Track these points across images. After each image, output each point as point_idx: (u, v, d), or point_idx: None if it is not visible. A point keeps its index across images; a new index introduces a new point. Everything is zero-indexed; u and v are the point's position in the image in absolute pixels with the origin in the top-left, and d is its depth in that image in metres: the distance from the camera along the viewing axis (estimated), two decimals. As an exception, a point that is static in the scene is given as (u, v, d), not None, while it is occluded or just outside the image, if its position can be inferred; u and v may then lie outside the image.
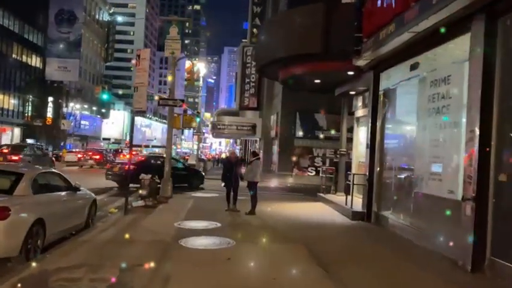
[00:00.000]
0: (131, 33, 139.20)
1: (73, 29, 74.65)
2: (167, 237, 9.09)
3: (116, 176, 19.47)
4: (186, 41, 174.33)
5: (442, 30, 7.75)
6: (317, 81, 14.86)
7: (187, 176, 20.59)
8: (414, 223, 9.35)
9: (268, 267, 7.12)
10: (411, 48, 9.39)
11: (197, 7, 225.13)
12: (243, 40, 70.41)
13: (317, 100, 33.66)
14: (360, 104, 14.85)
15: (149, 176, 14.36)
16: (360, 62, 11.37)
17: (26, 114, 65.91)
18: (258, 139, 49.77)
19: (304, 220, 12.07)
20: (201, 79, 37.37)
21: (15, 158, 25.97)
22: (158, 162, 19.99)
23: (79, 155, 38.57)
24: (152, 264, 6.89)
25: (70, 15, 74.94)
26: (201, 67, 32.91)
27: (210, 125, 51.46)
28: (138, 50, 11.88)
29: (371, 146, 11.67)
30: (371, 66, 11.44)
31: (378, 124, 11.53)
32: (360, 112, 14.98)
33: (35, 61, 68.89)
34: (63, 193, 8.78)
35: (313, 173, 35.25)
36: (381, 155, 11.46)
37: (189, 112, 33.29)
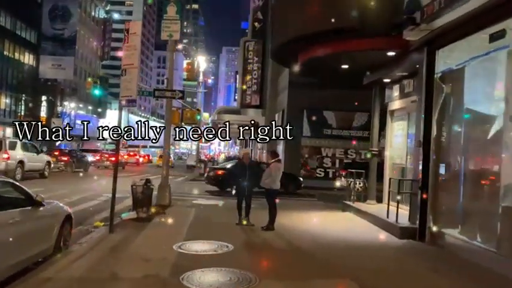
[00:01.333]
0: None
1: (67, 26, 72.45)
2: (164, 269, 6.56)
3: (213, 180, 20.35)
4: (184, 41, 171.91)
5: None
6: (344, 66, 12.29)
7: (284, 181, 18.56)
8: (504, 248, 6.81)
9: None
10: (493, 11, 6.88)
11: (195, 6, 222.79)
12: (242, 39, 68.53)
13: (326, 96, 31.22)
14: (396, 94, 12.34)
15: (143, 180, 11.86)
16: (414, 35, 8.83)
17: (19, 114, 63.54)
18: (260, 139, 47.40)
19: (339, 239, 9.52)
20: (201, 74, 34.88)
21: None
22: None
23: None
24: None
25: (64, 11, 72.70)
26: (201, 61, 30.45)
27: (210, 124, 48.85)
28: (127, 23, 9.32)
29: (425, 143, 9.10)
30: (425, 41, 8.88)
31: (435, 116, 8.95)
32: (396, 104, 12.47)
33: (28, 59, 66.85)
34: (16, 211, 6.23)
35: (322, 174, 32.80)
36: (440, 154, 8.90)
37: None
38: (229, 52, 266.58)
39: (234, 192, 10.54)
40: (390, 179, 10.73)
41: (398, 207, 9.65)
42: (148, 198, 11.78)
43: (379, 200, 12.95)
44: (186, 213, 12.18)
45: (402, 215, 9.81)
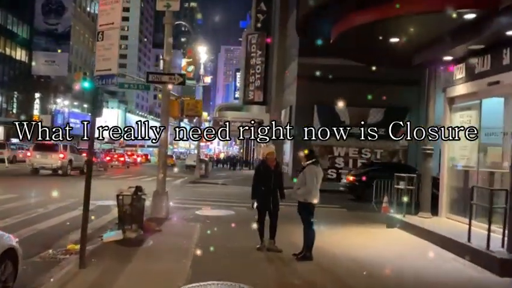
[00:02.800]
0: (126, 28, 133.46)
1: (61, 21, 70.12)
2: None
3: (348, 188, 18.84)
4: (182, 39, 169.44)
5: None
6: (393, 39, 9.42)
7: None
8: None
9: None
10: None
11: (193, 4, 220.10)
12: (240, 39, 65.54)
13: (338, 90, 28.45)
14: (460, 76, 9.52)
15: (132, 188, 9.04)
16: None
17: (11, 112, 60.81)
18: (264, 137, 44.49)
19: (407, 273, 6.69)
20: (202, 67, 32.07)
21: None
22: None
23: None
24: None
25: (58, 5, 70.27)
26: (201, 52, 27.63)
27: (211, 121, 46.10)
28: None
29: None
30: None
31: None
32: (460, 89, 9.64)
33: (20, 54, 64.68)
34: None
35: (334, 175, 30.00)
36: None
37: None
38: (227, 51, 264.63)
39: (255, 205, 7.66)
40: (473, 187, 7.86)
41: (489, 228, 6.80)
42: (139, 213, 8.97)
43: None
44: (189, 231, 9.33)
45: (480, 236, 7.01)
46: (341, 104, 29.57)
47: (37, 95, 64.45)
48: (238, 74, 65.09)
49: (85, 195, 6.41)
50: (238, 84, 66.94)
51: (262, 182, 7.64)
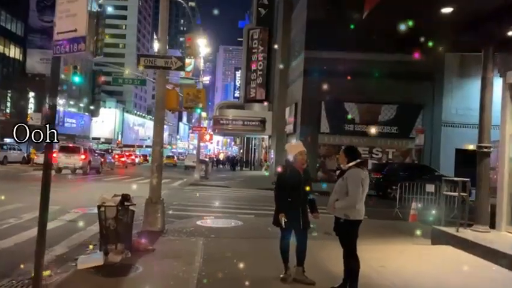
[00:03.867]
0: (124, 27, 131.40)
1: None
2: None
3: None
4: (181, 39, 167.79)
5: None
6: (446, 9, 7.47)
7: None
8: None
9: None
10: None
11: (192, 3, 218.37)
12: (239, 39, 63.61)
13: (347, 85, 26.58)
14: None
15: (118, 197, 7.12)
16: None
17: (4, 111, 58.90)
18: (267, 136, 42.44)
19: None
20: (202, 61, 30.11)
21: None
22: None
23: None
24: None
25: (53, 2, 67.20)
26: (201, 43, 25.58)
27: (212, 120, 44.22)
28: None
29: None
30: None
31: None
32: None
33: (14, 52, 62.81)
34: None
35: (343, 177, 28.08)
36: None
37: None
38: (226, 51, 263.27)
39: (283, 221, 5.69)
40: None
41: None
42: (126, 229, 7.05)
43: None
44: (189, 251, 7.40)
45: None
46: (350, 101, 27.72)
47: (32, 94, 62.59)
48: (238, 73, 63.07)
49: (41, 208, 4.48)
50: (238, 84, 64.95)
51: (289, 191, 5.71)
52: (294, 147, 6.11)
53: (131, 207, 7.08)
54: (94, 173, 29.24)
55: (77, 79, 22.18)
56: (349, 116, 28.12)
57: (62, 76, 28.37)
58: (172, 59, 9.09)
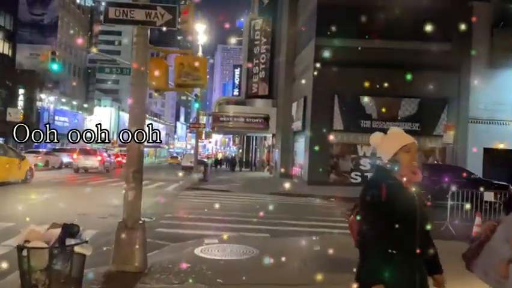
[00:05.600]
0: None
1: (47, 11, 65.82)
2: None
3: None
4: (178, 38, 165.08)
5: None
6: None
7: None
8: None
9: None
10: None
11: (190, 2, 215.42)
12: (239, 39, 60.57)
13: (363, 77, 23.48)
14: None
15: (57, 229, 3.98)
16: None
17: (-8, 108, 56.28)
18: (271, 135, 39.24)
19: None
20: (200, 49, 27.05)
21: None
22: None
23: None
24: None
25: (42, -6, 65.73)
26: (200, 32, 22.46)
27: (211, 117, 41.13)
28: None
29: None
30: None
31: None
32: None
33: (2, 47, 59.93)
34: None
35: (359, 179, 25.06)
36: None
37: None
38: (224, 50, 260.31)
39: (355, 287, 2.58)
40: None
41: None
42: (68, 286, 3.92)
43: None
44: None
45: None
46: (366, 94, 24.69)
47: (21, 90, 59.67)
48: (237, 71, 60.23)
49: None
50: (236, 82, 62.09)
51: (393, 235, 2.59)
52: (394, 136, 2.98)
53: (78, 249, 3.96)
54: (105, 172, 31.90)
55: (55, 67, 18.99)
56: (365, 111, 25.11)
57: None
58: (157, 9, 5.99)
